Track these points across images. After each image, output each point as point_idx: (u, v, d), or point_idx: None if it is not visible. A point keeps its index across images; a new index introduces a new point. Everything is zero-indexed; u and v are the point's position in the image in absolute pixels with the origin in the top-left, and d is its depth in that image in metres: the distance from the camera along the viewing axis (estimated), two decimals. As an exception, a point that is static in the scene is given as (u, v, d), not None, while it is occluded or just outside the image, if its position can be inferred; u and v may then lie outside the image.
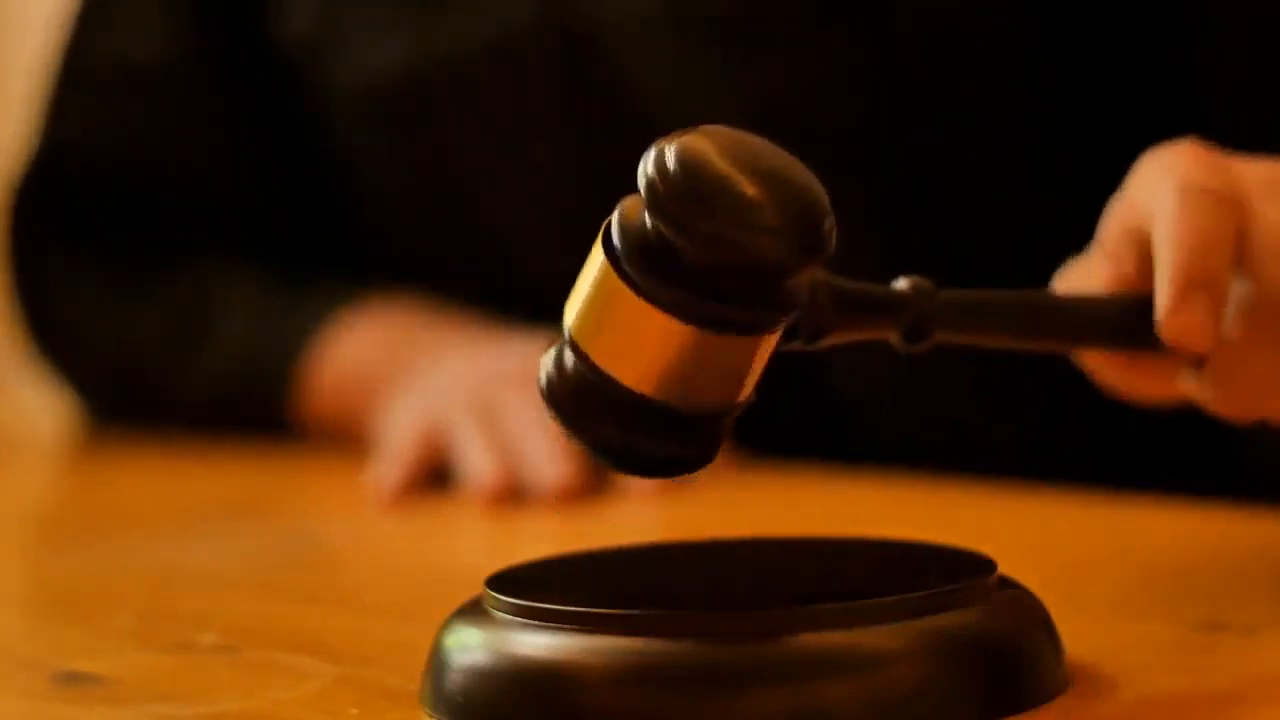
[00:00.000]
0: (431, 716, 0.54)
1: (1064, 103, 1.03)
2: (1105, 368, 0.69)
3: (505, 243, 1.11)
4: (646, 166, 0.52)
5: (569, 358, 0.54)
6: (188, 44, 1.18)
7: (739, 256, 0.51)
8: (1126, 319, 0.63)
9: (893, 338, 0.60)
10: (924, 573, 0.55)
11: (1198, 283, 0.61)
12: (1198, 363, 0.64)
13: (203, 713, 0.57)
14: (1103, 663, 0.56)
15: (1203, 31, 0.99)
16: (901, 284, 0.60)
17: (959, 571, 0.54)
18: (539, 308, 1.09)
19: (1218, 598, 0.65)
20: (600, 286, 0.53)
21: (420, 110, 1.11)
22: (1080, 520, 0.82)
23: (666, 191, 0.51)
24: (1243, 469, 1.02)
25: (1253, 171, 0.65)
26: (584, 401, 0.54)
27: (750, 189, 0.52)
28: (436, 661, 0.54)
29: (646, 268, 0.52)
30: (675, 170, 0.51)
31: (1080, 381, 1.05)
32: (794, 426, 1.05)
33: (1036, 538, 0.79)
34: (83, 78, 1.21)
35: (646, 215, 0.52)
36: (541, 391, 0.54)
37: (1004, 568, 0.55)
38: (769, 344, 0.54)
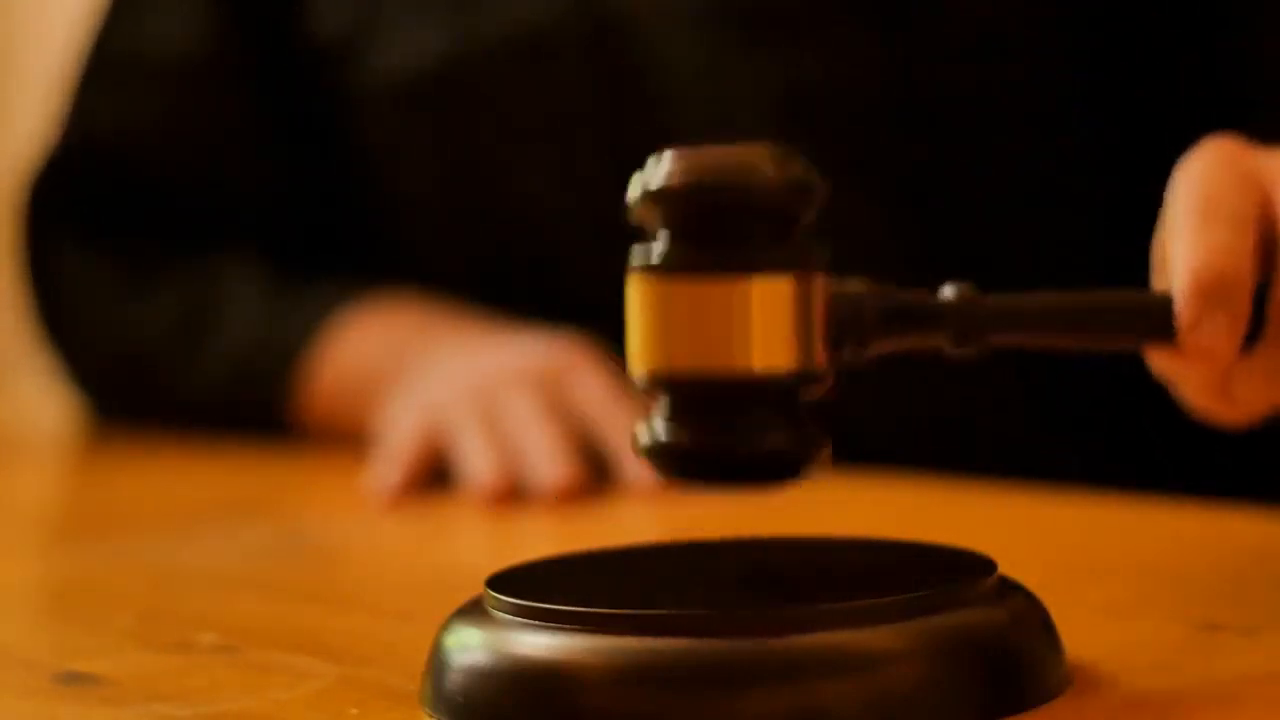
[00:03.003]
0: (431, 716, 0.54)
1: (1098, 97, 1.03)
2: (1187, 388, 0.68)
3: (538, 232, 1.11)
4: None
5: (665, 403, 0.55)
6: (215, 40, 1.18)
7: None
8: (1165, 321, 0.62)
9: (944, 344, 0.59)
10: (924, 573, 0.55)
11: (1211, 297, 0.60)
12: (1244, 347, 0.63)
13: (203, 713, 0.57)
14: (1103, 663, 0.56)
15: (1244, 21, 0.99)
16: (947, 291, 0.59)
17: (959, 571, 0.54)
18: (570, 297, 1.09)
19: (1218, 598, 0.65)
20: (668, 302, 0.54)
21: (455, 100, 1.11)
22: (1080, 520, 0.82)
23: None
24: (1243, 469, 1.02)
25: None
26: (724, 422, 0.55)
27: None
28: (436, 661, 0.54)
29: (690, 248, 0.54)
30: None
31: (1080, 382, 1.05)
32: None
33: (1036, 538, 0.79)
34: (109, 69, 1.21)
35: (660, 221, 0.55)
36: (665, 460, 0.55)
37: (1004, 568, 0.55)
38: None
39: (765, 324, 0.54)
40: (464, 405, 0.97)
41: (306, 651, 0.63)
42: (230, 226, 1.19)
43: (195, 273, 1.18)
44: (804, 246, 0.55)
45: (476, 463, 0.93)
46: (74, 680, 0.62)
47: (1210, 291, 0.60)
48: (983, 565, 0.55)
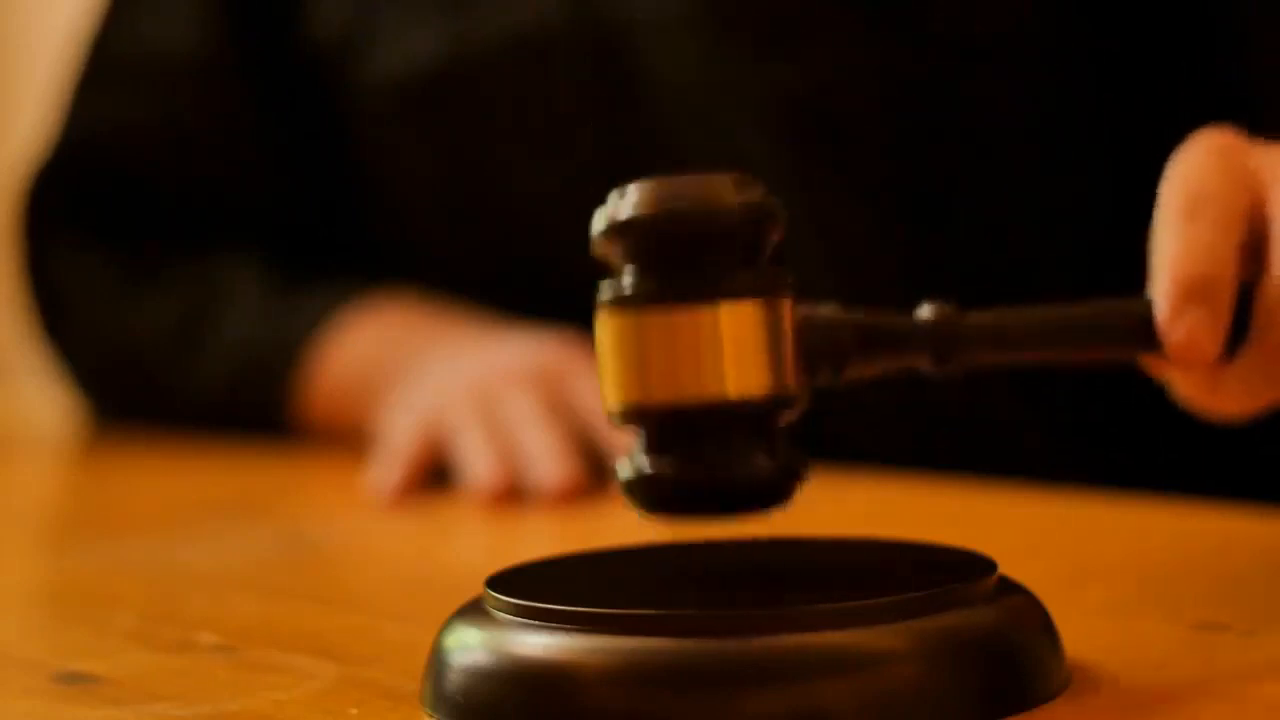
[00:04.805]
0: (431, 716, 0.54)
1: (1097, 106, 1.03)
2: (1180, 386, 0.68)
3: (536, 232, 1.11)
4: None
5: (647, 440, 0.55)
6: (216, 40, 1.18)
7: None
8: (1149, 329, 0.62)
9: (924, 365, 0.60)
10: (924, 573, 0.55)
11: (1192, 296, 0.60)
12: (1230, 350, 0.63)
13: (203, 713, 0.57)
14: (1103, 663, 0.56)
15: (1244, 27, 0.99)
16: (924, 311, 0.59)
17: (959, 571, 0.54)
18: (564, 300, 1.09)
19: (1218, 598, 0.65)
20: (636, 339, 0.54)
21: (451, 103, 1.11)
22: (1080, 520, 0.82)
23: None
24: (1243, 469, 1.02)
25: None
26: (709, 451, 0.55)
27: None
28: (436, 661, 0.54)
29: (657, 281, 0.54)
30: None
31: (1079, 382, 1.05)
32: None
33: (1036, 538, 0.79)
34: (109, 69, 1.21)
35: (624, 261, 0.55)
36: (651, 502, 0.56)
37: (1004, 568, 0.55)
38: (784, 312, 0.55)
39: (736, 349, 0.55)
40: (464, 405, 0.97)
41: (306, 651, 0.63)
42: (230, 227, 1.19)
43: (195, 273, 1.18)
44: (769, 272, 0.55)
45: (476, 463, 0.93)
46: (74, 680, 0.62)
47: (1190, 291, 0.60)
48: (983, 565, 0.55)
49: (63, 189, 1.22)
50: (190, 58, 1.19)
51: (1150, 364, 0.68)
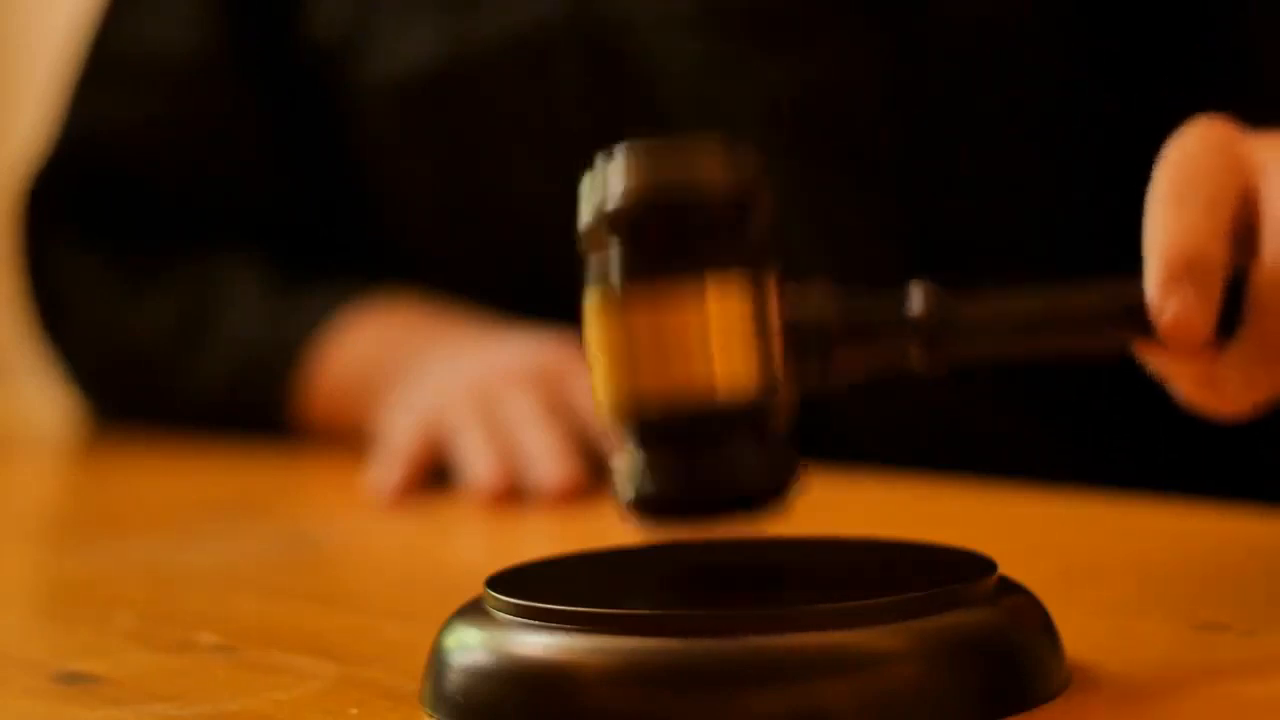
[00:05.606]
0: (431, 716, 0.54)
1: (1095, 102, 1.03)
2: (1179, 381, 0.68)
3: (536, 232, 1.11)
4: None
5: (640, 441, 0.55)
6: (214, 41, 1.18)
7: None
8: (1142, 313, 0.61)
9: (912, 354, 0.59)
10: (924, 573, 0.55)
11: (1181, 275, 0.60)
12: (1224, 337, 0.63)
13: (203, 713, 0.57)
14: (1103, 663, 0.56)
15: (1241, 20, 0.98)
16: (915, 294, 0.59)
17: (959, 571, 0.54)
18: (564, 300, 1.09)
19: (1218, 598, 0.65)
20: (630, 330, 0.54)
21: (450, 103, 1.11)
22: (1080, 520, 0.82)
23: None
24: (1243, 469, 1.02)
25: (1273, 145, 0.64)
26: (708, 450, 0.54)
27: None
28: (436, 661, 0.54)
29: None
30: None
31: (1079, 381, 1.05)
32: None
33: (1036, 538, 0.79)
34: (109, 68, 1.21)
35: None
36: (647, 505, 0.55)
37: (1004, 568, 0.55)
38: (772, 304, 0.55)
39: (723, 333, 0.54)
40: (464, 405, 0.97)
41: (306, 651, 0.63)
42: (230, 227, 1.19)
43: (194, 274, 1.18)
44: (756, 248, 0.55)
45: (476, 463, 0.93)
46: (74, 680, 0.62)
47: (1179, 271, 0.60)
48: (983, 565, 0.55)
49: (63, 189, 1.22)
50: (190, 58, 1.19)
51: (1149, 358, 0.67)
